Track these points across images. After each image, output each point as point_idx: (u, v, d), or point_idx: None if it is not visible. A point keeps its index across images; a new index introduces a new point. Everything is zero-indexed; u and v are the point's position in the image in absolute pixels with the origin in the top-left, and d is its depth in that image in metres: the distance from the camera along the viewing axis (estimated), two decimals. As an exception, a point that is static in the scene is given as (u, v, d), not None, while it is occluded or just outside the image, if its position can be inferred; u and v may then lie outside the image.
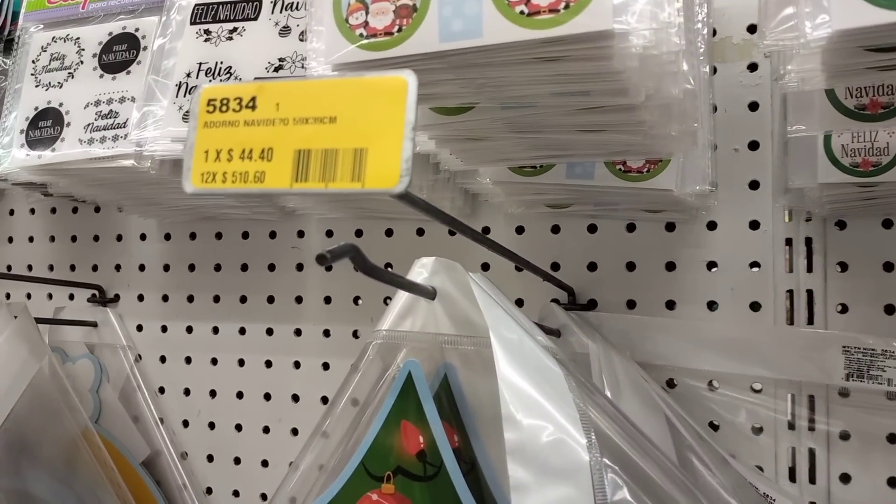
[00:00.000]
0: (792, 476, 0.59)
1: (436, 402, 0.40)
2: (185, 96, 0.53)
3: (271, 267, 0.77)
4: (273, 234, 0.77)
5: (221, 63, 0.54)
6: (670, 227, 0.64)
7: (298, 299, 0.76)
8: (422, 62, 0.36)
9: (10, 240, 0.89)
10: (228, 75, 0.52)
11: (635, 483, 0.37)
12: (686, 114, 0.43)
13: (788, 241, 0.60)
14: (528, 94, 0.39)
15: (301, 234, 0.76)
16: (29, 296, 0.87)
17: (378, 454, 0.40)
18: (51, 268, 0.87)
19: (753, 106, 0.62)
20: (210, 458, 0.78)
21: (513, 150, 0.50)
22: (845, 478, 0.58)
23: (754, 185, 0.61)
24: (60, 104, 0.63)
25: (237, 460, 0.77)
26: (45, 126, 0.63)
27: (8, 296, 0.89)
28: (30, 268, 0.87)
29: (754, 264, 0.61)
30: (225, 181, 0.29)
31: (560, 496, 0.35)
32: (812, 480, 0.59)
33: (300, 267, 0.76)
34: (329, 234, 0.75)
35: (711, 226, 0.63)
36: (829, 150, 0.51)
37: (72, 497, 0.71)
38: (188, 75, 0.53)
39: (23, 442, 0.69)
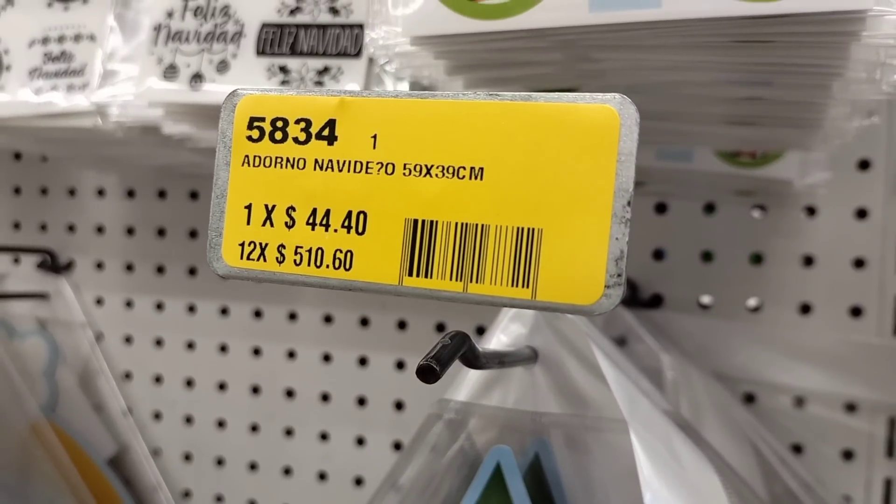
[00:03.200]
0: (888, 511, 0.51)
1: (527, 491, 0.30)
2: (165, 44, 0.39)
3: (260, 236, 0.64)
4: (262, 197, 0.64)
5: (214, -3, 0.40)
6: (759, 209, 0.53)
7: (294, 276, 0.63)
8: (561, 35, 0.23)
9: (-63, 188, 0.74)
10: (226, 17, 0.38)
11: None
12: (870, 107, 0.32)
13: (904, 236, 0.50)
14: (684, 80, 0.27)
15: (297, 198, 0.63)
16: (-38, 259, 0.73)
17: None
18: (-12, 224, 0.72)
19: (869, 67, 0.50)
20: (187, 457, 0.67)
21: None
22: (952, 516, 0.50)
23: (864, 164, 0.51)
24: (-7, 39, 0.49)
25: (220, 461, 0.66)
26: (-27, 66, 0.49)
27: (-63, 256, 0.75)
28: (-38, 224, 0.73)
29: (859, 262, 0.51)
30: (282, 261, 0.17)
31: None
32: (915, 526, 0.51)
33: (296, 237, 0.63)
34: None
35: (810, 212, 0.52)
36: None
37: (40, 495, 0.60)
38: (170, 15, 0.39)
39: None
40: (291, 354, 0.64)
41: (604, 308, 0.16)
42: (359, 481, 0.62)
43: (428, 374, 0.20)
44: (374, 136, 0.17)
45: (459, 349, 0.21)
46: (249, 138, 0.17)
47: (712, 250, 0.54)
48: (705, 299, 0.54)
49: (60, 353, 0.69)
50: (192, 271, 0.66)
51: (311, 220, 0.17)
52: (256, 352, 0.65)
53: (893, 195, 0.50)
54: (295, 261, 0.17)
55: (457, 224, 0.16)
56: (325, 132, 0.17)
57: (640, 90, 0.30)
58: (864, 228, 0.51)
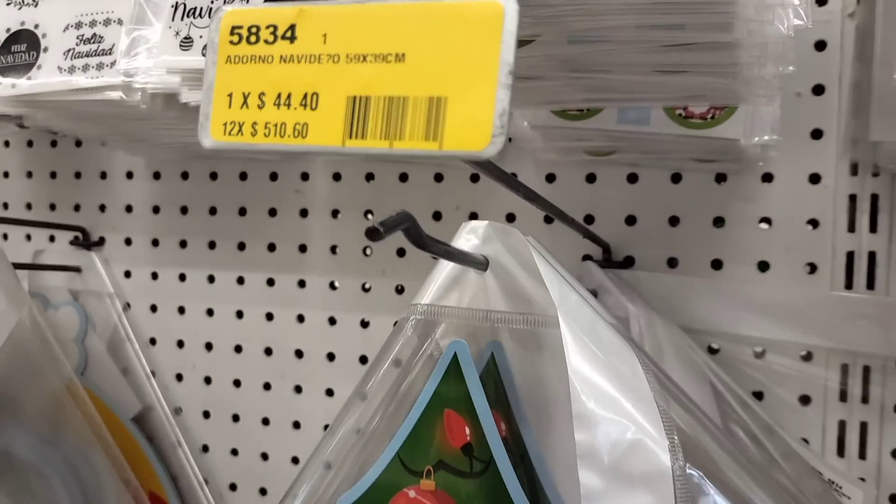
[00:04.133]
0: (840, 450, 0.55)
1: (486, 386, 0.35)
2: (182, 19, 0.46)
3: (272, 212, 0.70)
4: (274, 176, 0.70)
5: (226, -22, 0.47)
6: (720, 178, 0.58)
7: (302, 248, 0.69)
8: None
9: (-17, 175, 0.81)
10: (232, -5, 0.44)
11: (722, 489, 0.32)
12: (783, 56, 0.37)
13: (852, 198, 0.55)
14: (611, 26, 0.33)
15: (305, 176, 0.69)
16: (6, 236, 0.80)
17: (417, 446, 0.35)
18: (28, 206, 0.79)
19: (820, 45, 0.55)
20: (206, 415, 0.73)
21: (565, 92, 0.43)
22: (899, 455, 0.54)
23: (817, 134, 0.55)
24: (36, 26, 0.55)
25: (235, 417, 0.72)
26: (20, 51, 0.55)
27: (-18, 237, 0.82)
28: (5, 206, 0.80)
29: (812, 222, 0.56)
30: (255, 134, 0.23)
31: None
32: (862, 455, 0.55)
33: (304, 213, 0.69)
34: (336, 177, 0.68)
35: (767, 178, 0.57)
36: (916, 97, 0.45)
37: (57, 456, 0.66)
38: (187, -7, 0.46)
39: (2, 400, 0.63)
40: (300, 318, 0.69)
41: (491, 153, 0.21)
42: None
43: (374, 233, 0.25)
44: (325, 35, 0.22)
45: (403, 222, 0.27)
46: (231, 42, 0.23)
47: (678, 215, 0.59)
48: (672, 258, 0.59)
49: (91, 321, 0.75)
50: (212, 245, 0.73)
51: (276, 102, 0.23)
52: (269, 317, 0.71)
53: (843, 161, 0.55)
54: (265, 133, 0.23)
55: (385, 97, 0.22)
56: (288, 34, 0.23)
57: (582, 38, 0.36)
58: (817, 192, 0.56)
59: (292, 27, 0.23)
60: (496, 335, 0.36)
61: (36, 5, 0.56)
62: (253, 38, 0.23)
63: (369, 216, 0.67)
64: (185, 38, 0.45)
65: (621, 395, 0.31)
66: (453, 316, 0.35)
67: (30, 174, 0.79)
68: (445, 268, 0.36)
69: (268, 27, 0.23)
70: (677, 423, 0.32)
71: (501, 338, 0.36)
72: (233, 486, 0.72)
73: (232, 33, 0.23)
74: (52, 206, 0.78)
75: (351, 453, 0.37)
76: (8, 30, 0.56)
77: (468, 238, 0.35)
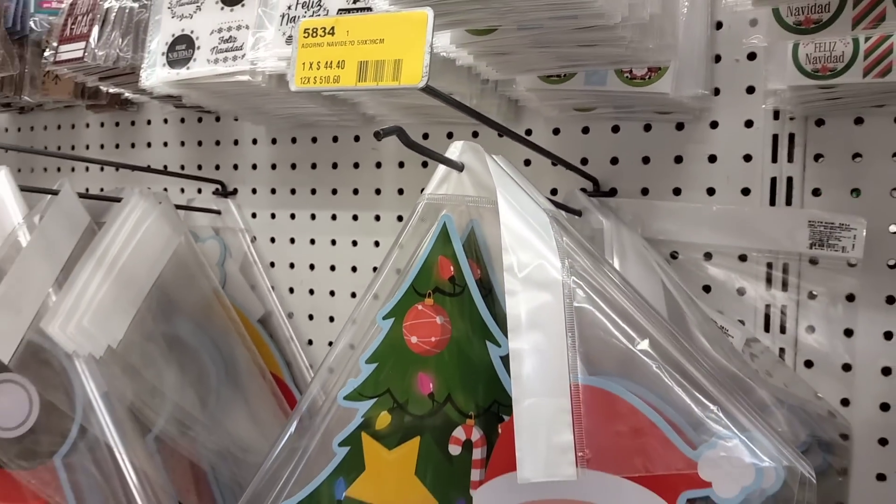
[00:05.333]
0: (766, 327, 0.73)
1: (464, 245, 0.57)
2: (287, 24, 0.70)
3: (356, 165, 0.94)
4: (357, 138, 0.94)
5: (314, -3, 0.70)
6: (679, 126, 0.76)
7: (377, 191, 0.93)
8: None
9: (149, 144, 1.10)
10: (318, 7, 0.67)
11: (596, 295, 0.52)
12: (664, 31, 0.56)
13: (775, 137, 0.72)
14: (535, 18, 0.54)
15: (379, 136, 0.92)
16: (166, 189, 1.08)
17: (422, 279, 0.57)
18: (182, 167, 1.07)
19: (753, 22, 0.73)
20: (310, 317, 0.98)
21: (536, 62, 0.64)
22: (810, 329, 0.72)
23: (750, 90, 0.73)
24: (192, 32, 0.81)
25: (331, 318, 0.97)
26: (181, 49, 0.81)
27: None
28: (165, 167, 1.08)
29: (747, 157, 0.74)
30: (316, 82, 0.46)
31: (540, 300, 0.51)
32: (783, 331, 0.73)
33: (378, 165, 0.92)
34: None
35: (713, 125, 0.75)
36: (796, 58, 0.63)
37: (209, 341, 0.92)
38: (289, 7, 0.69)
39: (171, 298, 0.90)
40: (377, 244, 0.93)
41: (421, 84, 0.43)
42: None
43: (376, 135, 0.47)
44: (347, 31, 0.45)
45: (395, 131, 0.49)
46: (304, 36, 0.46)
47: (649, 155, 0.78)
48: (644, 188, 0.78)
49: (228, 250, 1.02)
50: (313, 192, 0.97)
51: (325, 66, 0.45)
52: (354, 243, 0.94)
53: (768, 110, 0.72)
54: (319, 81, 0.46)
55: (375, 60, 0.44)
56: (330, 31, 0.45)
57: (526, 26, 0.57)
58: (750, 134, 0.73)
59: (333, 28, 0.45)
60: (473, 215, 0.58)
61: (191, 18, 0.82)
62: (314, 34, 0.46)
63: (426, 166, 0.89)
64: (289, 37, 0.69)
65: (534, 239, 0.52)
66: (442, 200, 0.57)
67: (182, 143, 1.07)
68: (440, 172, 0.57)
69: (321, 28, 0.46)
70: (570, 254, 0.52)
71: (478, 217, 0.58)
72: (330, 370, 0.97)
73: (304, 32, 0.46)
74: (199, 167, 1.05)
75: (385, 286, 0.59)
76: (173, 35, 0.82)
77: (452, 150, 0.57)
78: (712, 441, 0.51)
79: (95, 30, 0.86)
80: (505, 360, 0.55)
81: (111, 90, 0.94)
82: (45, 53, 0.91)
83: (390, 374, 0.58)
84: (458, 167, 0.56)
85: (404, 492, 0.57)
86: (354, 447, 0.58)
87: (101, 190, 1.07)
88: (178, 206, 0.95)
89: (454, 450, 0.56)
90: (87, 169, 1.15)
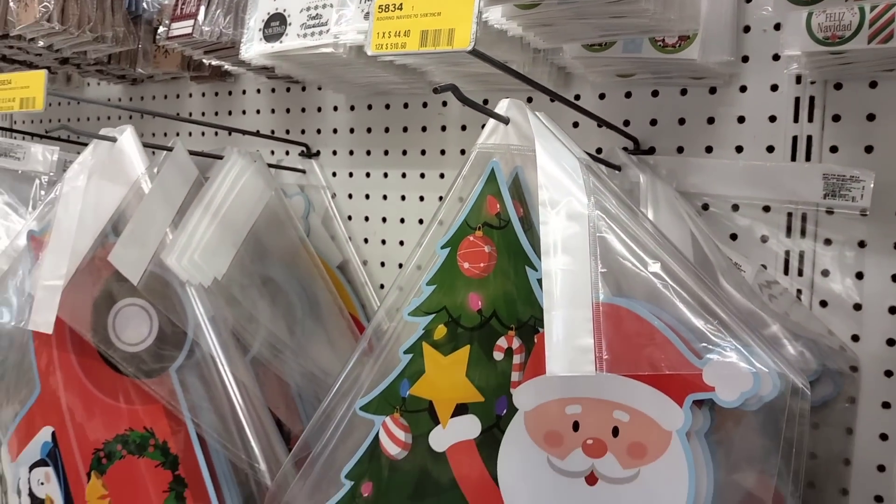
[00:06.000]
0: (786, 271, 0.81)
1: (509, 187, 0.68)
2: (365, 2, 0.82)
3: (423, 128, 1.06)
4: (425, 104, 1.05)
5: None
6: (712, 90, 0.85)
7: (442, 152, 1.04)
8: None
9: (244, 112, 1.24)
10: (391, -12, 0.79)
11: (617, 226, 0.62)
12: (685, 3, 0.66)
13: (797, 100, 0.80)
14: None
15: (444, 104, 1.03)
16: (258, 151, 1.22)
17: (474, 215, 0.68)
18: (272, 132, 1.20)
19: (780, -5, 0.80)
20: (382, 264, 1.11)
21: (577, 32, 0.74)
22: (825, 272, 0.80)
23: (776, 57, 0.81)
24: (284, 10, 0.93)
25: (400, 265, 1.09)
26: (275, 26, 0.94)
27: (244, 153, 1.24)
28: (257, 132, 1.22)
29: (772, 118, 0.82)
30: (387, 48, 0.57)
31: (569, 230, 0.61)
32: (800, 274, 0.81)
33: (443, 128, 1.04)
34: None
35: (742, 89, 0.83)
36: (809, 27, 0.71)
37: (296, 282, 1.05)
38: (367, -12, 0.81)
39: (264, 243, 1.03)
40: (441, 199, 1.04)
41: (471, 47, 0.53)
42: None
43: (434, 91, 0.59)
44: (413, 6, 0.56)
45: (450, 88, 0.60)
46: (378, 10, 0.57)
47: (685, 117, 0.87)
48: (679, 146, 0.87)
49: (311, 205, 1.15)
50: (386, 153, 1.09)
51: (396, 34, 0.57)
52: (421, 199, 1.06)
53: (791, 75, 0.80)
54: (391, 47, 0.57)
55: (433, 29, 0.55)
56: (399, 7, 0.56)
57: (562, 3, 0.67)
58: (775, 97, 0.81)
59: (401, 4, 0.57)
60: (517, 161, 0.68)
61: (284, -2, 0.95)
62: (386, 9, 0.57)
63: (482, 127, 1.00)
64: (366, 13, 0.81)
65: (566, 179, 0.62)
66: (491, 149, 0.68)
67: (273, 111, 1.20)
68: (490, 125, 0.68)
69: (391, 4, 0.57)
70: (596, 194, 0.63)
71: (522, 164, 0.69)
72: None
73: (379, 8, 0.58)
74: (287, 131, 1.19)
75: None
76: (269, 13, 0.95)
77: (499, 107, 0.67)
78: (716, 351, 0.61)
79: (202, 9, 1.00)
80: (541, 282, 0.65)
81: (213, 63, 1.08)
82: (159, 30, 1.06)
83: (446, 294, 0.69)
84: (505, 120, 0.67)
85: (456, 390, 0.68)
86: (416, 354, 0.70)
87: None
88: (270, 166, 1.09)
89: (498, 356, 0.67)
90: (189, 134, 1.30)
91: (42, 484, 0.93)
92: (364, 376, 0.74)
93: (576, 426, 0.64)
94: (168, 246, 0.87)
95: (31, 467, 0.94)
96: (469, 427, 0.68)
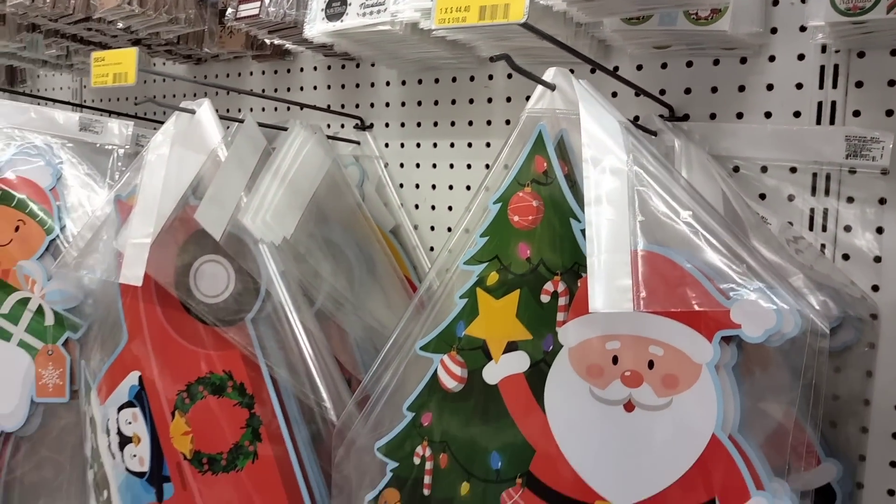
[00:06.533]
0: (811, 227, 0.88)
1: (555, 147, 0.75)
2: (420, -17, 0.90)
3: (471, 101, 1.13)
4: (472, 78, 1.13)
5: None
6: (743, 60, 0.91)
7: (488, 122, 1.12)
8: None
9: (301, 88, 1.32)
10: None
11: (653, 181, 0.69)
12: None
13: (822, 68, 0.86)
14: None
15: (490, 77, 1.11)
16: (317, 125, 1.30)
17: (523, 172, 0.76)
18: (328, 107, 1.29)
19: (808, -30, 0.86)
20: (432, 228, 1.19)
21: (617, 5, 0.81)
22: (847, 228, 0.86)
23: (802, 28, 0.87)
24: (345, -8, 1.02)
25: (449, 229, 1.17)
26: (336, 6, 1.02)
27: (302, 126, 1.33)
28: (315, 106, 1.30)
29: (798, 85, 0.88)
30: (449, 22, 0.65)
31: (610, 184, 0.69)
32: (824, 230, 0.87)
33: (490, 100, 1.11)
34: (510, 76, 1.09)
35: (771, 59, 0.89)
36: (832, -2, 0.77)
37: (354, 243, 1.13)
38: (422, -30, 0.89)
39: (325, 208, 1.12)
40: (487, 166, 1.12)
41: (524, 20, 0.61)
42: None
43: (490, 59, 0.67)
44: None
45: (504, 57, 0.67)
46: (441, -11, 0.65)
47: (717, 86, 0.93)
48: (712, 114, 0.93)
49: (365, 174, 1.23)
50: (436, 124, 1.17)
51: (457, 10, 0.64)
52: (468, 166, 1.14)
53: (817, 44, 0.86)
54: (452, 21, 0.65)
55: (490, 4, 0.63)
56: (459, -15, 0.64)
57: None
58: (802, 66, 0.87)
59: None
60: (563, 125, 0.76)
61: (343, -19, 1.03)
62: (448, -12, 0.65)
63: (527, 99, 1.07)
64: (422, -8, 0.89)
65: (607, 138, 0.70)
66: (539, 113, 0.75)
67: (329, 86, 1.29)
68: (538, 92, 0.76)
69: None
70: (634, 152, 0.70)
71: (567, 126, 0.76)
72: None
73: (440, -13, 0.65)
74: (342, 106, 1.27)
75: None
76: (330, -5, 1.03)
77: (546, 75, 0.75)
78: (743, 292, 0.68)
79: (268, -8, 1.09)
80: (584, 232, 0.73)
81: (276, 42, 1.17)
82: (227, 12, 1.14)
83: (498, 245, 0.77)
84: (551, 87, 0.74)
85: (508, 330, 0.76)
86: (471, 299, 0.79)
87: (264, 125, 1.30)
88: (327, 137, 1.18)
89: (545, 298, 0.75)
90: (251, 109, 1.40)
91: (129, 423, 1.03)
92: (420, 324, 0.82)
93: (615, 360, 0.72)
94: (243, 208, 0.96)
95: (120, 408, 1.04)
96: (519, 362, 0.76)
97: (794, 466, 0.70)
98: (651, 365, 0.70)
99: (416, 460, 0.81)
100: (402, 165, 1.22)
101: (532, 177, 0.76)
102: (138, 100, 1.56)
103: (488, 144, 1.12)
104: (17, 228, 1.20)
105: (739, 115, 0.92)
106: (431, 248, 1.20)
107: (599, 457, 0.72)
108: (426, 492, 0.81)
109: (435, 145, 1.17)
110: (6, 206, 1.21)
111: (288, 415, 0.97)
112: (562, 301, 0.74)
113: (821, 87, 0.87)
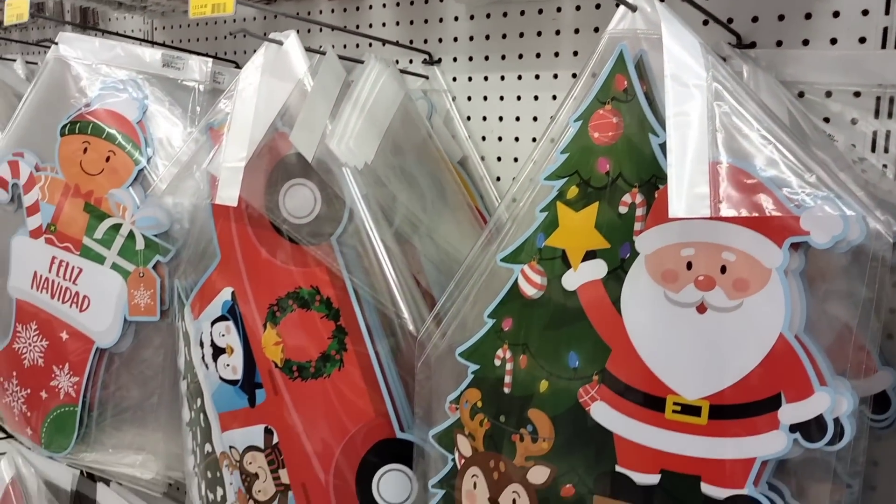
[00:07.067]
0: (873, 148, 0.92)
1: (635, 66, 0.80)
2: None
3: (538, 33, 1.17)
4: (540, 11, 1.17)
5: None
6: (809, -10, 0.95)
7: (556, 54, 1.16)
8: None
9: (370, 25, 1.38)
10: None
11: (730, 96, 0.74)
12: None
13: (889, -7, 0.90)
14: None
15: (559, 9, 1.15)
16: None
17: (603, 91, 0.81)
18: (397, 41, 1.34)
19: None
20: (499, 159, 1.25)
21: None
22: (909, 149, 0.90)
23: (871, -45, 0.90)
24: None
25: (515, 159, 1.23)
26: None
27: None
28: (383, 41, 1.35)
29: (864, 11, 0.91)
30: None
31: (689, 99, 0.73)
32: (886, 151, 0.91)
33: (557, 32, 1.16)
34: (577, 8, 1.13)
35: (836, -16, 0.93)
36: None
37: (427, 173, 1.19)
38: None
39: (398, 137, 1.18)
40: (554, 97, 1.17)
41: None
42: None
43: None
44: None
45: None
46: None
47: (784, 13, 0.96)
48: (779, 41, 0.97)
49: (434, 107, 1.29)
50: (503, 57, 1.22)
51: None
52: (535, 98, 1.19)
53: (887, -30, 0.89)
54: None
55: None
56: None
57: None
58: (870, -9, 0.91)
59: None
60: (643, 45, 0.80)
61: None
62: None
63: (596, 31, 1.12)
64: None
65: (687, 56, 0.75)
66: (620, 34, 0.80)
67: (397, 23, 1.34)
68: (619, 13, 0.80)
69: None
70: (713, 70, 0.74)
71: (646, 47, 0.80)
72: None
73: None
74: (411, 41, 1.32)
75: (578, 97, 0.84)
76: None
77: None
78: (812, 200, 0.73)
79: (346, -71, 1.13)
80: (661, 146, 0.78)
81: (349, -22, 1.22)
82: (305, -50, 1.19)
83: (578, 160, 0.83)
84: (633, 8, 0.79)
85: (586, 239, 0.82)
86: (551, 212, 0.84)
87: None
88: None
89: (623, 209, 0.81)
90: (320, 46, 1.45)
91: (223, 336, 1.12)
92: (504, 234, 0.89)
93: (689, 265, 0.77)
94: (329, 133, 1.03)
95: (213, 322, 1.13)
96: (597, 269, 0.82)
97: (854, 369, 0.75)
98: (723, 270, 0.76)
99: (497, 362, 0.88)
100: (469, 99, 1.27)
101: (612, 94, 0.81)
102: (231, 32, 1.61)
103: (556, 76, 1.17)
104: (107, 159, 1.29)
105: (805, 42, 0.95)
106: (498, 179, 1.25)
107: (672, 355, 0.78)
108: (506, 390, 0.88)
109: (502, 78, 1.22)
110: (97, 137, 1.29)
111: (370, 327, 1.04)
112: (639, 212, 0.80)
113: (886, 12, 0.90)
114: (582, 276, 0.83)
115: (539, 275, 0.85)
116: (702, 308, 0.77)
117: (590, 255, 0.82)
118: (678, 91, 0.74)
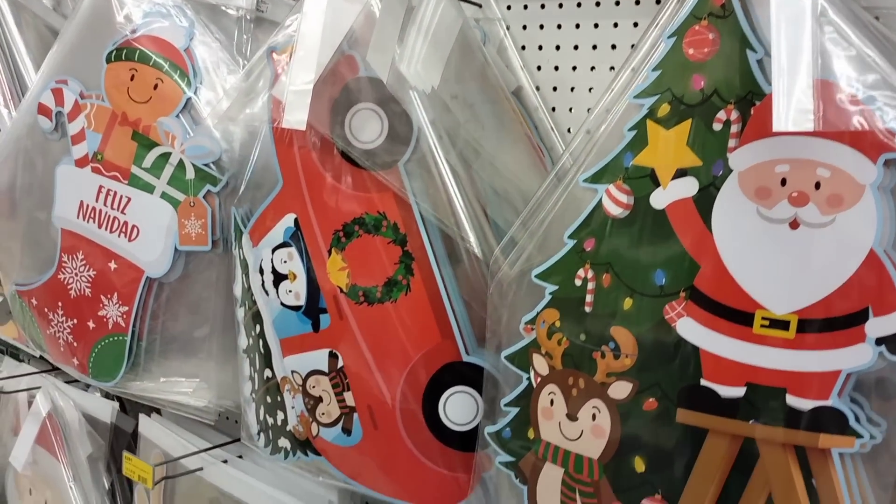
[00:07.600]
0: (951, 73, 0.93)
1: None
2: None
3: (601, -39, 1.17)
4: (603, -63, 1.16)
5: None
6: (891, -89, 0.94)
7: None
8: None
9: (418, -46, 1.35)
10: None
11: (834, 14, 0.74)
12: None
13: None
14: None
15: (623, -65, 1.14)
16: (433, -10, 1.34)
17: (699, 6, 0.80)
18: (447, -29, 1.32)
19: None
20: (554, 89, 1.24)
21: None
22: None
23: None
24: None
25: (572, 89, 1.22)
26: None
27: None
28: (433, -28, 1.33)
29: (948, -66, 0.91)
30: None
31: (793, 15, 0.73)
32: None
33: (621, -41, 1.15)
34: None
35: None
36: None
37: (485, 99, 1.19)
38: None
39: (458, 64, 1.17)
40: (615, 25, 1.16)
41: None
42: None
43: None
44: None
45: None
46: None
47: (863, -64, 0.96)
48: None
49: (487, 36, 1.27)
50: (561, -15, 1.21)
51: None
52: (596, 26, 1.18)
53: None
54: None
55: None
56: None
57: None
58: (954, -86, 0.90)
59: None
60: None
61: None
62: None
63: (663, -45, 1.10)
64: None
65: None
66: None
67: (448, -49, 1.32)
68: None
69: None
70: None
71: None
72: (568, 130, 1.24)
73: None
74: (463, -30, 1.30)
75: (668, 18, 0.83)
76: None
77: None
78: (909, 118, 0.74)
79: None
80: (759, 63, 0.78)
81: None
82: None
83: (671, 77, 0.83)
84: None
85: (677, 157, 0.83)
86: (640, 131, 0.85)
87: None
88: None
89: (717, 126, 0.81)
90: (364, -24, 1.43)
91: (285, 262, 1.12)
92: (585, 155, 0.89)
93: (783, 182, 0.78)
94: (398, 57, 1.02)
95: (274, 249, 1.13)
96: (688, 187, 0.82)
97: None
98: (818, 186, 0.77)
99: (578, 282, 0.89)
100: (524, 27, 1.26)
101: (709, 10, 0.80)
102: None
103: (617, 3, 1.16)
104: (155, 87, 1.27)
105: (882, -30, 0.95)
106: (553, 109, 1.25)
107: (762, 270, 0.79)
108: (587, 309, 0.89)
109: (560, 6, 1.21)
110: (144, 64, 1.27)
111: (436, 252, 1.05)
112: (734, 128, 0.80)
113: (972, -66, 0.90)
114: (672, 193, 0.83)
115: (625, 194, 0.86)
116: (794, 224, 0.78)
117: (680, 173, 0.83)
118: (781, 7, 0.74)
